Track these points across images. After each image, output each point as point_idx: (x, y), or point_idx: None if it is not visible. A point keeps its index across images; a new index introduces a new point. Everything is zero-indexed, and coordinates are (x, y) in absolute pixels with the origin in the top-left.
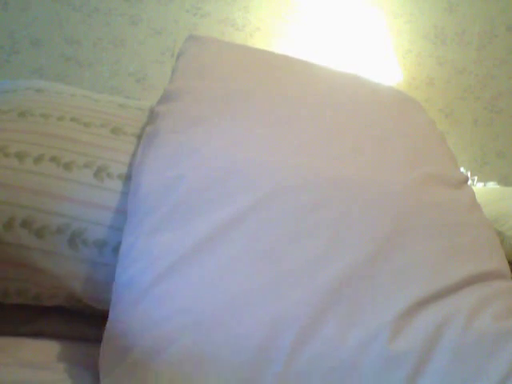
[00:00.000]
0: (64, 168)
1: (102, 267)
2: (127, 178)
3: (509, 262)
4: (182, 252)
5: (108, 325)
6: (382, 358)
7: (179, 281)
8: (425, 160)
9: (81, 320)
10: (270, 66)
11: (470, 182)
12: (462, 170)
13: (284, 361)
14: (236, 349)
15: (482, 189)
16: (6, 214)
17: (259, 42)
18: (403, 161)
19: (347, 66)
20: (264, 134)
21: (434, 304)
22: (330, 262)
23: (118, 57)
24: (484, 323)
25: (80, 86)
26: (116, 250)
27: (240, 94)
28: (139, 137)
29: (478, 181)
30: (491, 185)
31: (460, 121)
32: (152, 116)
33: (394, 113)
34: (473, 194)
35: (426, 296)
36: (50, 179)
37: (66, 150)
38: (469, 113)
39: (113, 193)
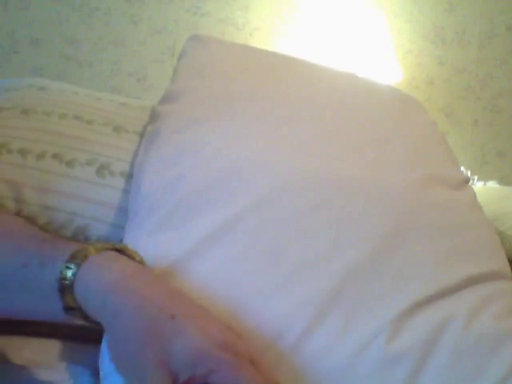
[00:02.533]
0: (66, 165)
1: None
2: (129, 176)
3: (509, 262)
4: (183, 251)
5: None
6: (381, 358)
7: (179, 280)
8: (425, 160)
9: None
10: (271, 66)
11: (470, 182)
12: (462, 169)
13: (285, 361)
14: None
15: (482, 188)
16: (8, 211)
17: (259, 41)
18: (404, 161)
19: (347, 66)
20: (265, 134)
21: (434, 304)
22: (330, 262)
23: (118, 56)
24: (484, 323)
25: (80, 86)
26: None
27: (241, 94)
28: (141, 135)
29: (478, 180)
30: (491, 184)
31: (460, 121)
32: (154, 115)
33: (395, 113)
34: (473, 194)
35: (426, 296)
36: (52, 176)
37: (68, 147)
38: (469, 113)
39: (115, 190)
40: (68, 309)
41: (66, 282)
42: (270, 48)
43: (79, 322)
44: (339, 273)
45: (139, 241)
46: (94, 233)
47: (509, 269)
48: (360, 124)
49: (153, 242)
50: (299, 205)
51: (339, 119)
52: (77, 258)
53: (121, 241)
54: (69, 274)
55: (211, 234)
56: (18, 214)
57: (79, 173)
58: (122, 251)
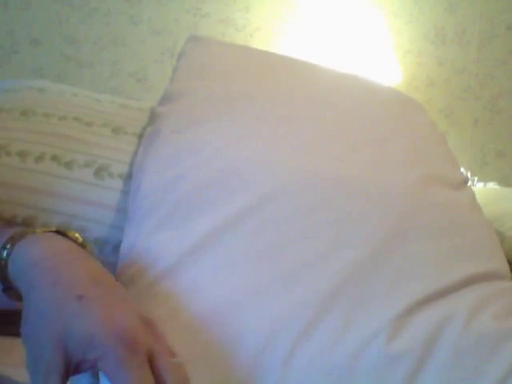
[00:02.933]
0: (65, 167)
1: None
2: (128, 177)
3: (509, 262)
4: (182, 251)
5: None
6: (381, 358)
7: (179, 280)
8: (425, 161)
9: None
10: (270, 66)
11: (470, 183)
12: (462, 170)
13: (283, 361)
14: (234, 349)
15: (482, 189)
16: (7, 213)
17: (259, 41)
18: (403, 161)
19: (347, 66)
20: (264, 134)
21: (433, 304)
22: (330, 261)
23: (118, 57)
24: (484, 323)
25: (80, 86)
26: (116, 248)
27: (240, 94)
28: (140, 136)
29: (478, 181)
30: (491, 185)
31: (460, 121)
32: (153, 116)
33: (395, 113)
34: (473, 194)
35: (425, 296)
36: (50, 178)
37: (67, 149)
38: (469, 113)
39: (113, 192)
40: (6, 289)
41: (2, 262)
42: (271, 48)
43: (18, 303)
44: (339, 273)
45: (139, 240)
46: (92, 234)
47: (508, 269)
48: (360, 124)
49: (153, 242)
50: (299, 205)
51: (339, 119)
52: (13, 239)
53: (119, 241)
54: (4, 254)
55: (211, 233)
56: (14, 216)
57: (77, 174)
58: (64, 234)
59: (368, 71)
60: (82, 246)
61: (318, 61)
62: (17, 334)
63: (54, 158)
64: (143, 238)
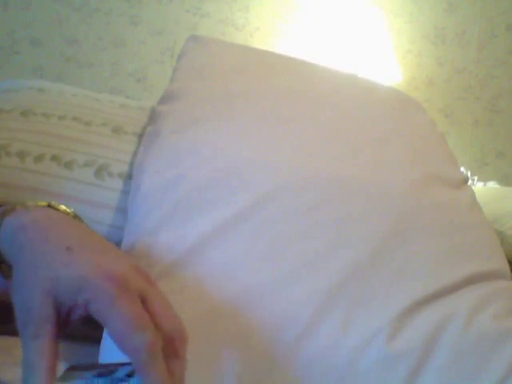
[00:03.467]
0: (65, 167)
1: None
2: (128, 177)
3: (509, 262)
4: (183, 251)
5: None
6: (381, 358)
7: (180, 279)
8: (425, 160)
9: (81, 320)
10: (270, 66)
11: (470, 182)
12: (462, 169)
13: (285, 360)
14: (235, 348)
15: (482, 188)
16: None
17: (259, 41)
18: (403, 161)
19: (347, 66)
20: (264, 133)
21: (433, 303)
22: (330, 261)
23: (118, 57)
24: (484, 323)
25: (80, 86)
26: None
27: (241, 94)
28: (140, 136)
29: (478, 181)
30: (491, 184)
31: (460, 121)
32: (153, 116)
33: (394, 113)
34: (473, 194)
35: (425, 295)
36: (50, 178)
37: (66, 149)
38: (469, 113)
39: (113, 191)
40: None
41: None
42: (270, 48)
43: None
44: (339, 272)
45: (139, 240)
46: None
47: (508, 268)
48: (360, 124)
49: (153, 242)
50: (299, 205)
51: (339, 119)
52: (3, 214)
53: (119, 241)
54: None
55: (211, 233)
56: None
57: (77, 174)
58: (55, 208)
59: (368, 71)
60: (75, 218)
61: (318, 61)
62: (16, 334)
63: (54, 158)
64: (143, 238)
